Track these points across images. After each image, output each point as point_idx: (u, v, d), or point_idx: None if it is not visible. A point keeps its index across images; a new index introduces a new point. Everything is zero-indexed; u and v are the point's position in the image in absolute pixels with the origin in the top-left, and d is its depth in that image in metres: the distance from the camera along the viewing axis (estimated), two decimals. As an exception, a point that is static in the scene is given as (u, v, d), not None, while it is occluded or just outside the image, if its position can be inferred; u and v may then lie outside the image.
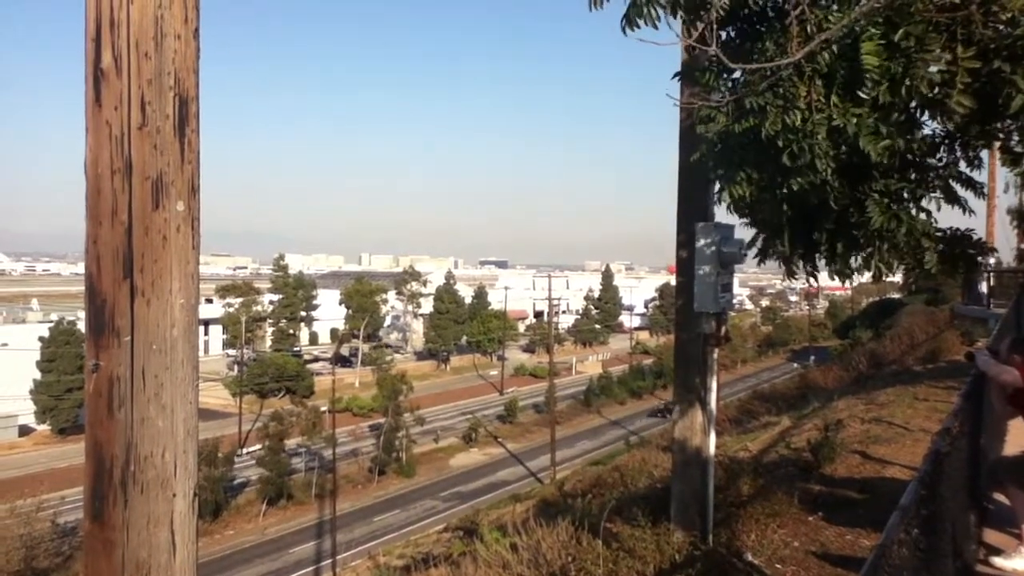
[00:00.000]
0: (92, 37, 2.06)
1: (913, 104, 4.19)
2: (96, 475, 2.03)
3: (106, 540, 2.03)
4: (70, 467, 48.94)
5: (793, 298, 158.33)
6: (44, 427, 60.32)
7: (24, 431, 60.51)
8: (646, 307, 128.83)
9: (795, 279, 5.44)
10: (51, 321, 68.83)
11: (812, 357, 74.10)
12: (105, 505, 2.02)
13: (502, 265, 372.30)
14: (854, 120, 4.01)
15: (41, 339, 60.73)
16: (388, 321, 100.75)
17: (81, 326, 60.00)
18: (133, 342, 2.03)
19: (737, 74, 4.69)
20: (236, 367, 71.99)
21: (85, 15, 2.07)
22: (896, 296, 77.74)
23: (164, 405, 2.07)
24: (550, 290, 72.61)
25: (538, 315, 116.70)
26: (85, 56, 2.07)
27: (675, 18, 4.60)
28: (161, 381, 2.07)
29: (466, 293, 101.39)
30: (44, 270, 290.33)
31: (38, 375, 59.12)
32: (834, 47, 3.96)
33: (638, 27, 4.52)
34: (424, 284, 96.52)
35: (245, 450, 54.48)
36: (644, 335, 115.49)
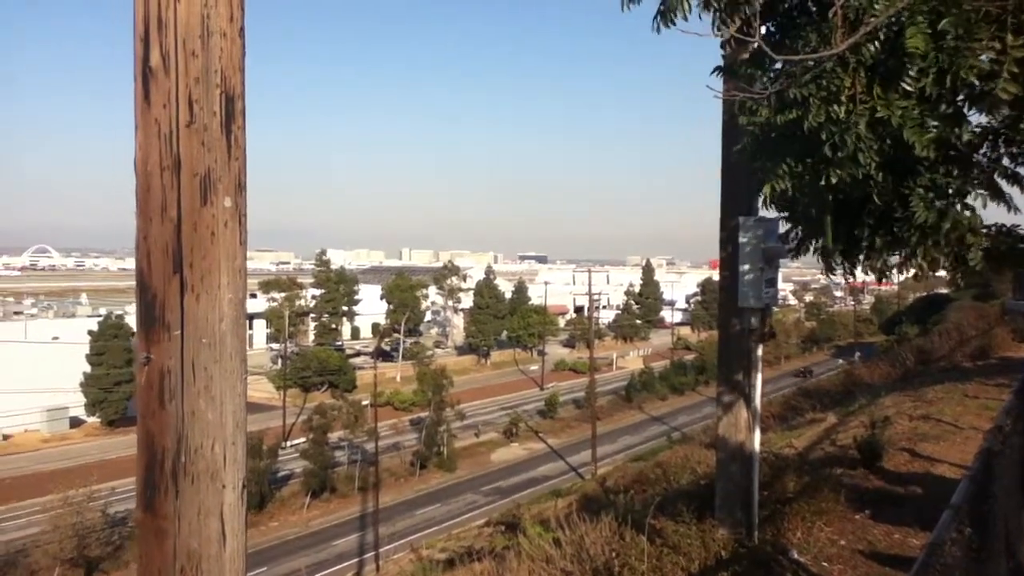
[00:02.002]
0: (140, 36, 2.10)
1: (960, 97, 4.10)
2: (148, 466, 2.07)
3: (158, 529, 2.07)
4: (119, 458, 50.03)
5: (838, 293, 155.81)
6: (94, 419, 61.61)
7: (75, 423, 61.89)
8: (687, 302, 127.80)
9: (834, 275, 5.38)
10: (100, 315, 70.29)
11: (858, 353, 72.75)
12: (157, 495, 2.06)
13: (542, 260, 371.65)
14: (899, 112, 3.94)
15: (90, 333, 61.82)
16: (428, 316, 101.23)
17: (129, 320, 61.55)
18: (183, 336, 2.07)
19: (779, 65, 4.64)
20: (280, 361, 72.95)
21: (133, 15, 2.10)
22: (944, 291, 76.23)
23: (214, 397, 2.11)
24: (590, 285, 72.39)
25: (578, 310, 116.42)
26: (134, 55, 2.11)
27: (707, 11, 4.56)
28: (211, 374, 2.10)
29: (506, 288, 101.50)
30: (93, 265, 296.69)
31: (88, 368, 60.32)
32: (880, 37, 3.90)
33: (673, 23, 4.50)
34: (464, 279, 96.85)
35: (289, 443, 55.15)
36: (686, 330, 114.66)
